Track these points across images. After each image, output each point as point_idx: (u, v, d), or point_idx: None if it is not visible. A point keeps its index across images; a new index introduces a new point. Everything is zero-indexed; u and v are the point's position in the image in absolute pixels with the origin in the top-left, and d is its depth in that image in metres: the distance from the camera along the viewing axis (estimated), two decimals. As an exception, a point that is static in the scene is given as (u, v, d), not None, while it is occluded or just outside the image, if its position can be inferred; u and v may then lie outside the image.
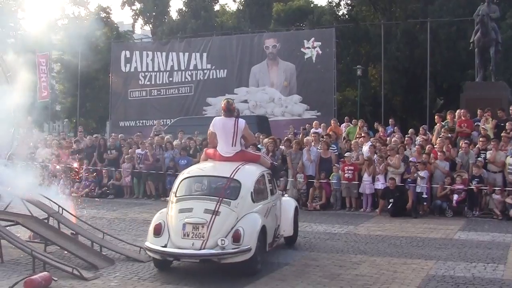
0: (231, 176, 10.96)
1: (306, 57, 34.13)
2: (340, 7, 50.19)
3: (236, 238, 10.11)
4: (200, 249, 10.03)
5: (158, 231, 10.45)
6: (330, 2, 49.97)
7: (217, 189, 11.02)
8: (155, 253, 10.48)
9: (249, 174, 11.33)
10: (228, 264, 10.24)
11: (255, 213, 10.81)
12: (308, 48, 34.08)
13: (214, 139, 11.87)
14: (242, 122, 11.72)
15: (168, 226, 10.43)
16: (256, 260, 10.47)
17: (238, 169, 11.16)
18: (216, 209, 10.29)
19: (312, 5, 51.79)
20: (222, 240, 10.01)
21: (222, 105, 11.86)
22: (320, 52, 33.88)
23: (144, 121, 36.49)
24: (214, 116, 12.63)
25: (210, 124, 11.87)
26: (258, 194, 11.25)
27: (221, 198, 10.49)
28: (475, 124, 20.97)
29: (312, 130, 23.67)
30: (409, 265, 11.34)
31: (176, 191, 10.91)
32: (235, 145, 11.59)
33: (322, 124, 24.79)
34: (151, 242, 10.49)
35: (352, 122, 25.56)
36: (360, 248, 13.08)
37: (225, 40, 37.35)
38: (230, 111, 11.66)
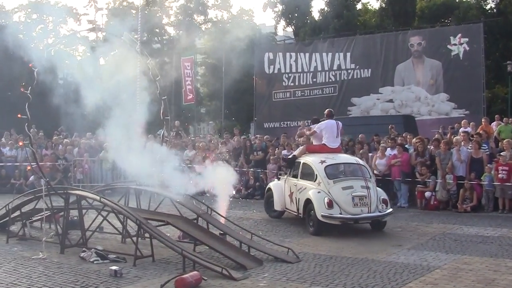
0: (359, 162, 15.77)
1: (453, 54, 33.07)
2: (488, 0, 48.48)
3: (385, 203, 14.75)
4: (368, 213, 14.38)
5: (330, 205, 14.25)
6: (477, -4, 48.38)
7: (356, 171, 15.25)
8: (334, 219, 14.27)
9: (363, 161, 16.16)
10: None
11: (378, 187, 15.42)
12: (455, 44, 33.03)
13: (313, 137, 16.48)
14: (339, 122, 16.47)
15: (335, 200, 14.28)
16: None
17: (355, 158, 16.34)
18: (367, 185, 14.66)
19: (457, 0, 50.30)
20: (382, 205, 14.58)
21: (326, 111, 16.82)
22: (467, 48, 32.74)
23: (288, 122, 36.72)
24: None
25: (316, 126, 16.39)
26: None
27: (365, 177, 14.90)
28: None
29: (461, 129, 23.00)
30: None
31: (327, 175, 14.73)
32: (339, 137, 16.21)
33: (471, 123, 24.07)
34: (327, 213, 14.15)
35: (503, 121, 24.56)
36: (515, 252, 12.51)
37: (368, 39, 36.82)
38: (331, 115, 16.59)
